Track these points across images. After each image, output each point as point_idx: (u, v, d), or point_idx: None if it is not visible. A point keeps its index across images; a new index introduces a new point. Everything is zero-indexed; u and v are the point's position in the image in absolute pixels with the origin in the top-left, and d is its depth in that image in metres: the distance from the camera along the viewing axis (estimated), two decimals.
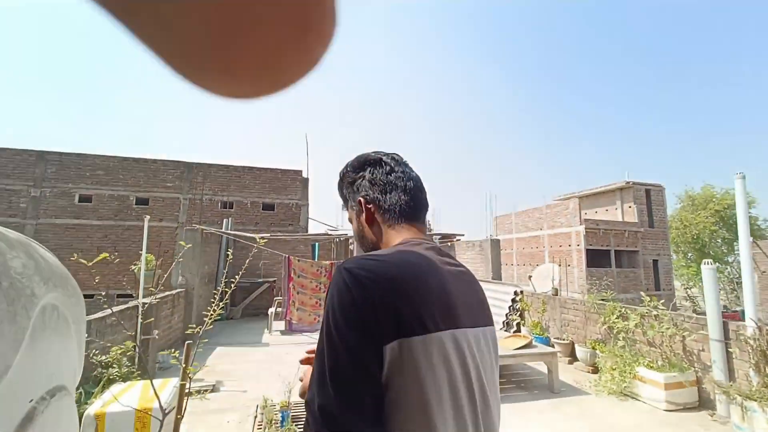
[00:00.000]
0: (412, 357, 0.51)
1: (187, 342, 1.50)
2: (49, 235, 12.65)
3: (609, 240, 16.88)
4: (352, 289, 0.53)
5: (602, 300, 5.53)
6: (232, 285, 2.35)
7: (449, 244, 9.37)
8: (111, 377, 3.07)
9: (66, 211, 13.01)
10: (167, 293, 6.33)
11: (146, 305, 4.68)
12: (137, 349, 3.76)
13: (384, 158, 0.77)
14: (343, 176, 0.80)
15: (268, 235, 9.87)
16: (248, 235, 9.11)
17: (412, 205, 0.74)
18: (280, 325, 7.31)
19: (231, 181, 14.37)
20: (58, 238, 12.72)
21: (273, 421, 3.14)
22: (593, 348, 5.25)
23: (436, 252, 0.68)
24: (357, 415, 0.50)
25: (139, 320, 4.51)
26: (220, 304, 2.23)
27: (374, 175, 0.75)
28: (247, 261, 2.76)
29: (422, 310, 0.55)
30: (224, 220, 10.12)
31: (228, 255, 2.68)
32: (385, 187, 0.74)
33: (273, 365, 5.28)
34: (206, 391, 4.30)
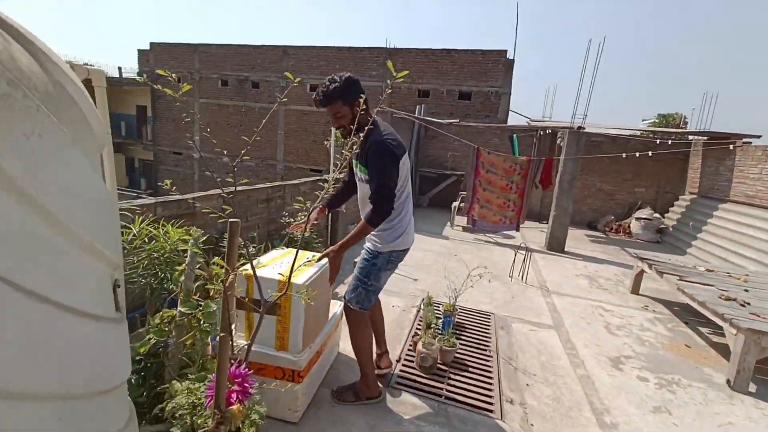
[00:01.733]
0: (403, 162, 1.90)
1: (231, 221, 0.91)
2: (292, 119, 15.79)
3: None
4: (393, 143, 1.84)
5: None
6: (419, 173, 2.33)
7: (731, 147, 5.87)
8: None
9: (302, 98, 15.60)
10: None
11: (334, 179, 4.89)
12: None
13: (359, 79, 1.87)
14: (350, 86, 1.82)
15: (457, 120, 8.95)
16: (436, 120, 8.45)
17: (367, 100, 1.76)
18: (462, 220, 6.84)
19: (428, 66, 13.71)
20: (299, 123, 15.70)
21: (434, 325, 2.71)
22: None
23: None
24: (393, 180, 1.87)
25: (330, 190, 4.79)
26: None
27: (360, 87, 1.83)
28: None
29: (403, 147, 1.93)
30: (417, 107, 9.72)
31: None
32: (364, 93, 1.70)
33: (448, 260, 4.92)
34: None
